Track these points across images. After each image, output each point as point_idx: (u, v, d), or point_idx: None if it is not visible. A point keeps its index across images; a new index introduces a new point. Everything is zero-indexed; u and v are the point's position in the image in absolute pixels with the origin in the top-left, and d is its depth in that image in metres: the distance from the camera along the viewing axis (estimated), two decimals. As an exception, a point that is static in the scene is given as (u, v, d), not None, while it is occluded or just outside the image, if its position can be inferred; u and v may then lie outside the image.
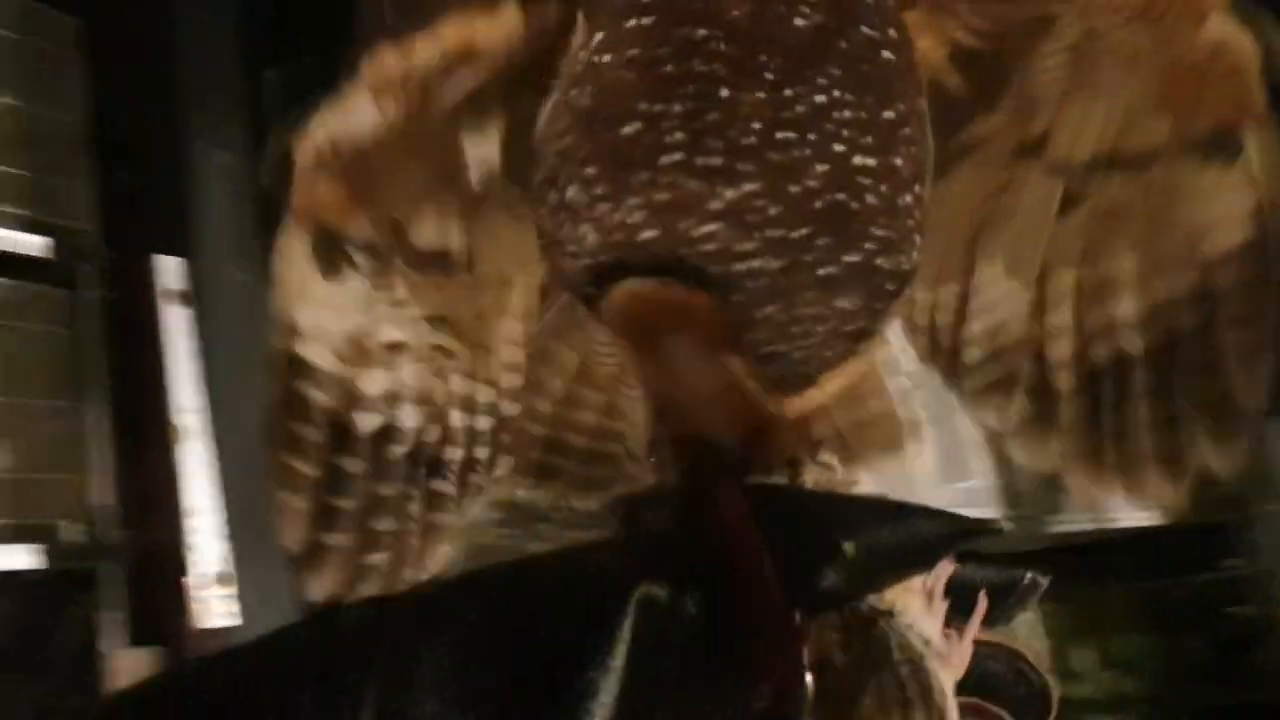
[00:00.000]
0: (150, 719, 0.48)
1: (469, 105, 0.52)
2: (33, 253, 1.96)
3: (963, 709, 0.46)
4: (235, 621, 1.78)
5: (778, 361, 0.44)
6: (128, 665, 1.85)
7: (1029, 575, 0.52)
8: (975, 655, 0.47)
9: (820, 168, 0.43)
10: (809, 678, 0.42)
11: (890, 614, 0.47)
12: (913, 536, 0.47)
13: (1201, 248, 0.56)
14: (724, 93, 0.43)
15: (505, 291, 0.61)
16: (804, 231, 0.42)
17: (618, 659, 0.43)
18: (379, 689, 0.44)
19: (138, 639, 1.88)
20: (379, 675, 0.45)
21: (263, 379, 1.76)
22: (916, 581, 0.48)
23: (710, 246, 0.42)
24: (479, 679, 0.45)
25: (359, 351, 0.57)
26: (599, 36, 0.46)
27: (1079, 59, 0.55)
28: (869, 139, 0.44)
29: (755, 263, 0.42)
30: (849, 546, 0.45)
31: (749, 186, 0.42)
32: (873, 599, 0.47)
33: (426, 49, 0.49)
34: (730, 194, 0.42)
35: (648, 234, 0.43)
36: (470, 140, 0.53)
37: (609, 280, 0.45)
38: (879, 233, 0.44)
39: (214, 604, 1.80)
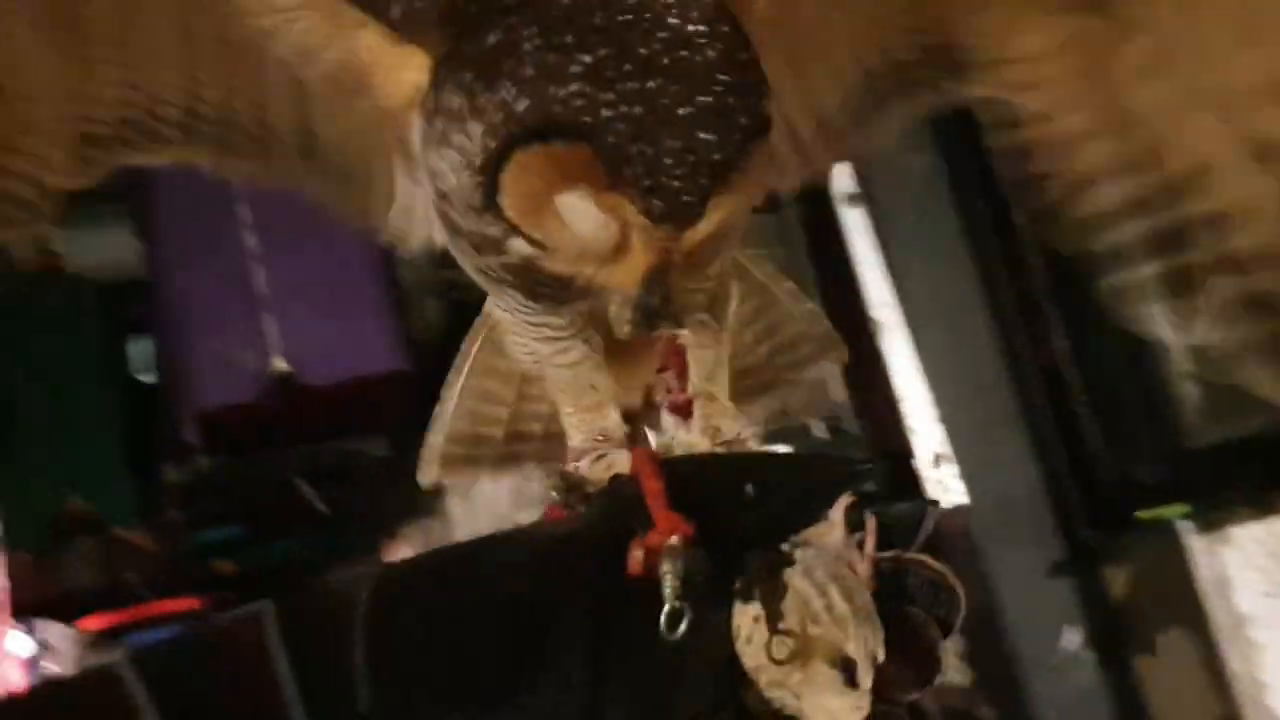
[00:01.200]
0: None
1: None
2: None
3: (885, 614, 0.54)
4: (964, 499, 1.84)
5: (659, 193, 0.50)
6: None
7: (926, 505, 0.59)
8: (898, 571, 0.55)
9: (661, 34, 0.51)
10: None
11: (806, 544, 0.55)
12: (808, 480, 0.57)
13: None
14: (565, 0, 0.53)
15: None
16: (658, 82, 0.50)
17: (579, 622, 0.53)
18: (365, 642, 0.53)
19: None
20: (365, 628, 0.53)
21: (947, 265, 1.77)
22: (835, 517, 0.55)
23: (578, 103, 0.50)
24: (454, 641, 0.54)
25: None
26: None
27: None
28: (694, 13, 0.52)
29: (620, 109, 0.50)
30: (749, 489, 0.55)
31: (602, 51, 0.51)
32: (795, 536, 0.55)
33: None
34: (587, 58, 0.51)
35: (522, 105, 0.51)
36: None
37: (501, 164, 0.52)
38: (724, 78, 0.51)
39: (943, 483, 1.87)
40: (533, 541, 0.60)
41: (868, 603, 0.53)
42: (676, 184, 0.50)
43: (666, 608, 0.52)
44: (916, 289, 1.91)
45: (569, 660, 0.53)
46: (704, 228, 0.52)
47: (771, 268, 0.80)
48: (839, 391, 2.13)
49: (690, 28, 0.52)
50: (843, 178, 1.98)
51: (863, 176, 1.96)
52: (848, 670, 0.53)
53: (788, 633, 0.53)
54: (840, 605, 0.53)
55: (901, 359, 1.93)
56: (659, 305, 0.54)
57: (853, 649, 0.52)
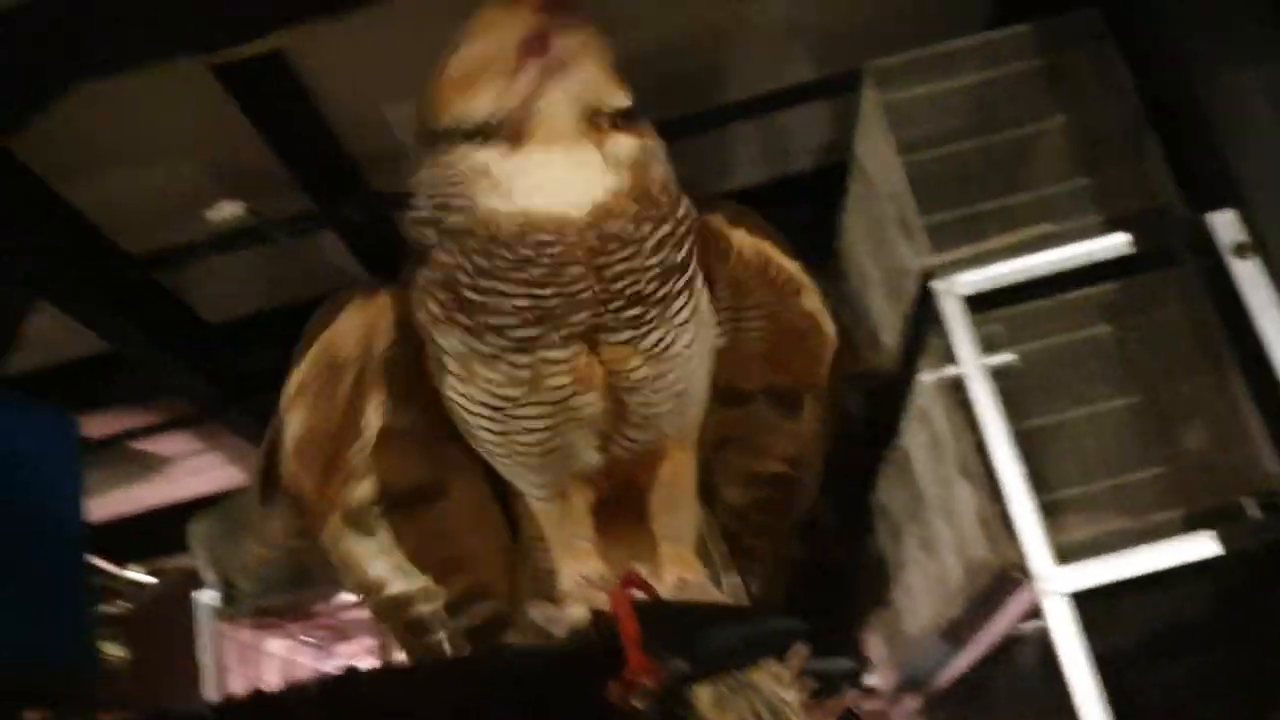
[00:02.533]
0: None
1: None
2: (1124, 248, 1.98)
3: None
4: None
5: None
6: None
7: (856, 666, 0.76)
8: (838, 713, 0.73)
9: None
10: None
11: (753, 686, 0.69)
12: (748, 635, 0.72)
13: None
14: None
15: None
16: None
17: None
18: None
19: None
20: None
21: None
22: (777, 666, 0.71)
23: None
24: None
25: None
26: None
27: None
28: None
29: None
30: (706, 635, 0.70)
31: None
32: (739, 675, 0.70)
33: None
34: None
35: None
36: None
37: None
38: None
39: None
40: (542, 656, 0.78)
41: None
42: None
43: None
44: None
45: None
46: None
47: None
48: (1271, 461, 1.85)
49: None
50: (1229, 224, 1.74)
51: (1251, 221, 1.71)
52: None
53: None
54: None
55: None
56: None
57: None
